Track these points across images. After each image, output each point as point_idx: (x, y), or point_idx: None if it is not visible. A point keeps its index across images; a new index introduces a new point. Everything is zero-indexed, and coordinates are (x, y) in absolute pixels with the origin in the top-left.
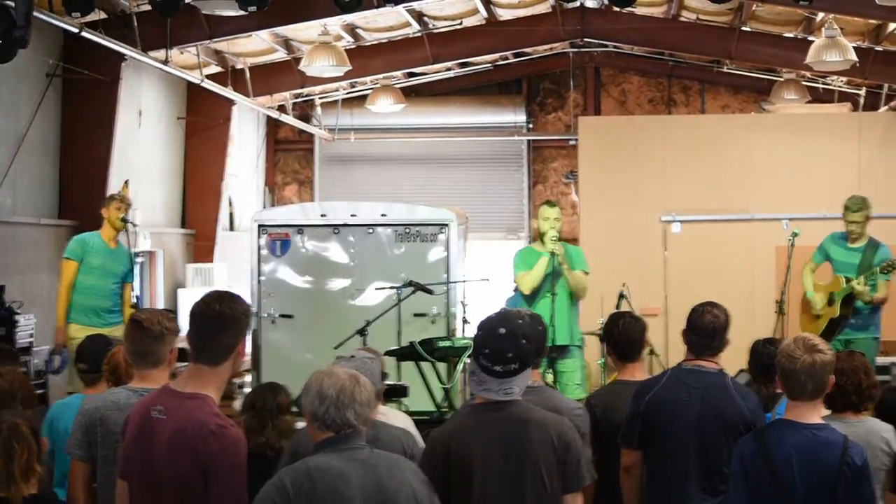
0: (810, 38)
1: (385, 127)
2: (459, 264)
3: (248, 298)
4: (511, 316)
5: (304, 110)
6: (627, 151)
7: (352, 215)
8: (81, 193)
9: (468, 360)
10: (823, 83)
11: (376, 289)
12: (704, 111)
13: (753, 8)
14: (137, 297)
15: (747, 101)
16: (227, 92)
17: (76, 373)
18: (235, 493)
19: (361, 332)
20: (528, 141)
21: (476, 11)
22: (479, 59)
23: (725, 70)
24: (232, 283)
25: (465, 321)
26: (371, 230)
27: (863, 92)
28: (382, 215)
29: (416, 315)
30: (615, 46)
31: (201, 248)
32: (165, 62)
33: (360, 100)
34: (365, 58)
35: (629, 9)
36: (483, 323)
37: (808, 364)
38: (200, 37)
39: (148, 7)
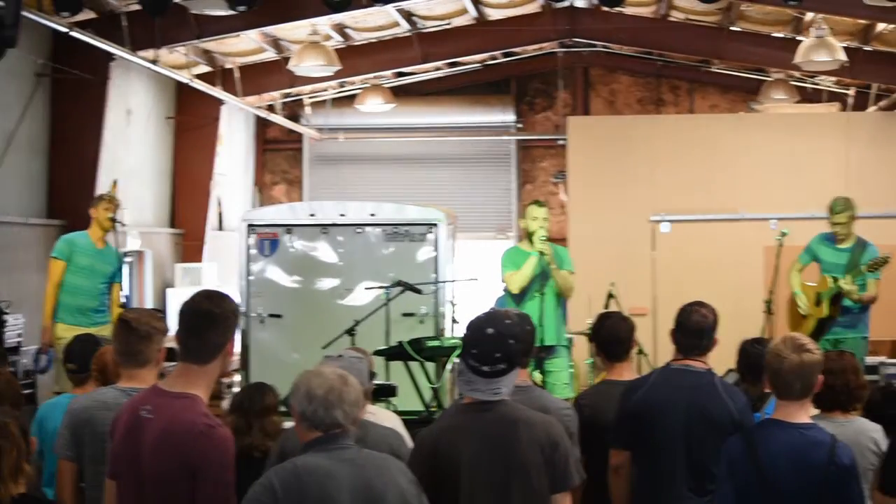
0: (799, 37)
1: (374, 127)
2: (448, 264)
3: (236, 298)
4: (499, 316)
5: (293, 110)
6: (616, 151)
7: (340, 215)
8: (70, 193)
9: (457, 360)
10: (812, 83)
11: (365, 288)
12: (693, 111)
13: (742, 8)
14: (126, 297)
15: (736, 100)
16: (216, 92)
17: (64, 372)
18: (224, 493)
19: (350, 331)
20: (517, 141)
21: (465, 11)
22: (468, 58)
23: (714, 70)
24: (221, 282)
25: (453, 321)
26: (360, 230)
27: (851, 92)
28: (371, 215)
29: (404, 315)
30: (604, 46)
31: (190, 247)
32: (154, 62)
33: (350, 99)
34: (354, 57)
35: (618, 8)
36: (471, 323)
37: (797, 364)
38: (189, 36)
39: (137, 6)
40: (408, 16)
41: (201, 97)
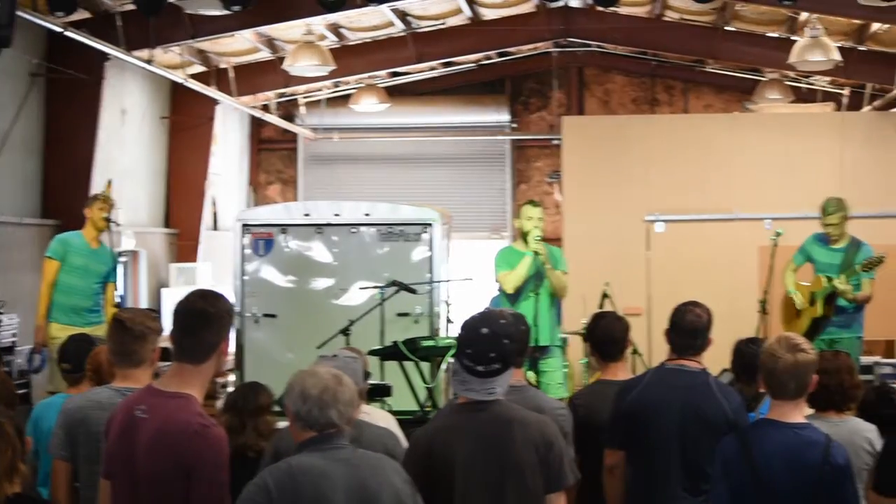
0: (794, 37)
1: (369, 126)
2: (443, 264)
3: (231, 298)
4: (494, 316)
5: (288, 110)
6: (611, 151)
7: (335, 215)
8: (65, 193)
9: (451, 360)
10: (807, 83)
11: (360, 288)
12: (688, 111)
13: (737, 8)
14: (121, 297)
15: (731, 100)
16: (211, 91)
17: (59, 372)
18: (218, 493)
19: (345, 331)
20: (512, 140)
21: (460, 11)
22: (462, 58)
23: (709, 70)
24: (215, 282)
25: (448, 321)
26: (354, 230)
27: (846, 92)
28: (366, 215)
29: (399, 315)
30: (599, 46)
31: (185, 247)
32: (149, 62)
33: (344, 99)
34: (349, 57)
35: (613, 8)
36: (466, 323)
37: (791, 363)
38: (184, 36)
39: (131, 6)
40: (402, 15)
41: (196, 97)
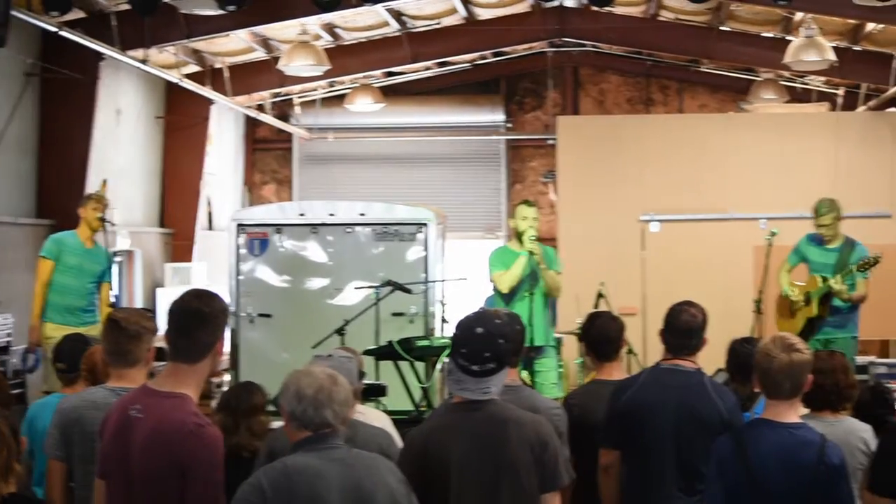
0: (788, 37)
1: (364, 126)
2: (438, 263)
3: (226, 298)
4: (489, 315)
5: (283, 110)
6: (606, 151)
7: (330, 214)
8: (60, 193)
9: (446, 360)
10: (801, 83)
11: (355, 288)
12: (683, 111)
13: (732, 7)
14: (116, 297)
15: (725, 100)
16: (206, 91)
17: (52, 372)
18: (213, 493)
19: (340, 331)
20: (507, 140)
21: (455, 11)
22: (457, 58)
23: (704, 69)
24: (210, 282)
25: (443, 320)
26: (349, 229)
27: (841, 92)
28: (361, 215)
29: (394, 314)
30: (594, 46)
31: (180, 247)
32: (144, 61)
33: (339, 99)
34: (343, 57)
35: (608, 8)
36: (461, 322)
37: (786, 363)
38: (179, 36)
39: (126, 6)
40: (397, 15)
41: (191, 97)
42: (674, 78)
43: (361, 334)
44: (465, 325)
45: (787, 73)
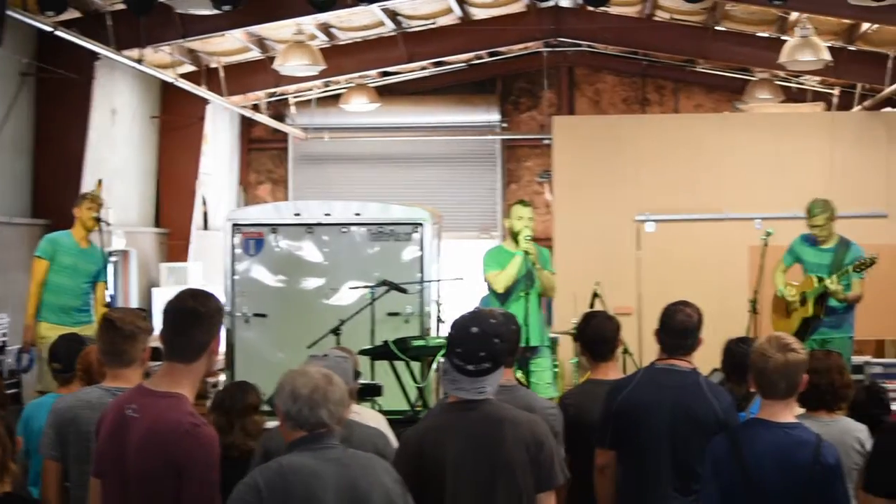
0: (784, 37)
1: (359, 126)
2: (433, 263)
3: (221, 297)
4: (484, 315)
5: (278, 109)
6: (601, 151)
7: (325, 214)
8: (55, 192)
9: (442, 360)
10: (797, 83)
11: (350, 288)
12: (678, 111)
13: (727, 7)
14: (111, 297)
15: (721, 100)
16: (201, 91)
17: (47, 372)
18: (209, 493)
19: (335, 331)
20: (502, 140)
21: (450, 10)
22: (453, 58)
23: (699, 69)
24: (206, 282)
25: (439, 320)
26: (345, 229)
27: (836, 91)
28: (356, 214)
29: (389, 314)
30: (589, 46)
31: (175, 247)
32: (139, 61)
33: (334, 99)
34: (339, 57)
35: (603, 8)
36: (456, 322)
37: (781, 363)
38: (174, 36)
39: (122, 6)
40: (393, 15)
41: (186, 96)
42: (669, 78)
43: (357, 334)
44: (461, 325)
45: (782, 73)
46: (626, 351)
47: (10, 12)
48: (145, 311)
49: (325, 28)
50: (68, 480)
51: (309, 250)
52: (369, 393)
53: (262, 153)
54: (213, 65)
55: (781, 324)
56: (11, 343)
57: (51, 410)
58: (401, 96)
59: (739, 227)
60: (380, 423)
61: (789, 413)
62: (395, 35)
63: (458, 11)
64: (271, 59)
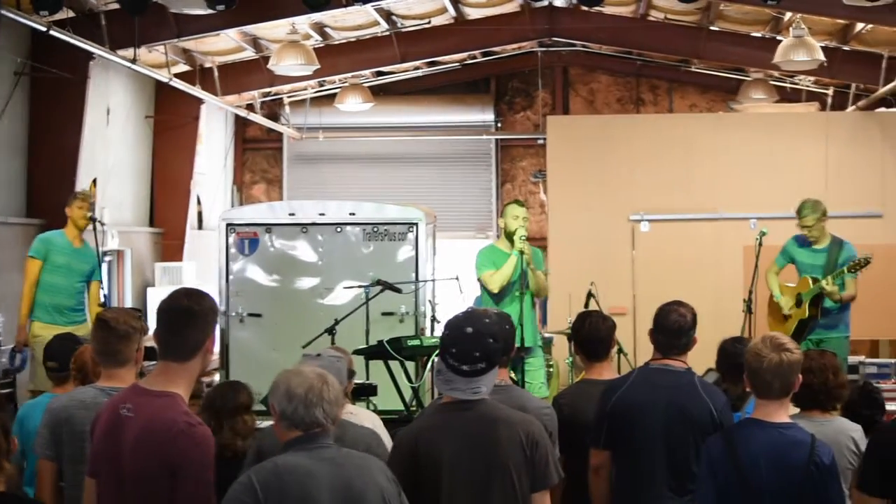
0: (778, 37)
1: (353, 126)
2: (428, 263)
3: (216, 297)
4: (478, 315)
5: (273, 109)
6: (596, 150)
7: (320, 214)
8: (49, 192)
9: (437, 359)
10: (791, 83)
11: (345, 288)
12: (672, 110)
13: (721, 7)
14: (106, 297)
15: (715, 100)
16: (196, 91)
17: (42, 371)
18: (204, 492)
19: (330, 330)
20: (497, 140)
21: (444, 10)
22: (447, 58)
23: (693, 69)
24: (200, 281)
25: (434, 320)
26: (339, 229)
27: (830, 91)
28: (351, 214)
29: (384, 314)
30: (583, 46)
31: (170, 246)
32: (133, 61)
33: (329, 99)
34: (333, 57)
35: (597, 8)
36: (450, 322)
37: (776, 363)
38: (168, 35)
39: (116, 5)
40: (387, 15)
41: (181, 96)
42: (663, 78)
43: (352, 334)
44: (455, 325)
45: (776, 73)
46: (620, 351)
47: (3, 12)
48: (140, 311)
49: (320, 28)
50: (63, 480)
51: (303, 250)
52: (364, 393)
53: (257, 153)
54: (208, 64)
55: (778, 326)
56: (7, 343)
57: (45, 410)
58: (395, 96)
59: (734, 226)
60: (375, 423)
61: (784, 413)
62: (390, 35)
63: (452, 11)
64: (266, 58)
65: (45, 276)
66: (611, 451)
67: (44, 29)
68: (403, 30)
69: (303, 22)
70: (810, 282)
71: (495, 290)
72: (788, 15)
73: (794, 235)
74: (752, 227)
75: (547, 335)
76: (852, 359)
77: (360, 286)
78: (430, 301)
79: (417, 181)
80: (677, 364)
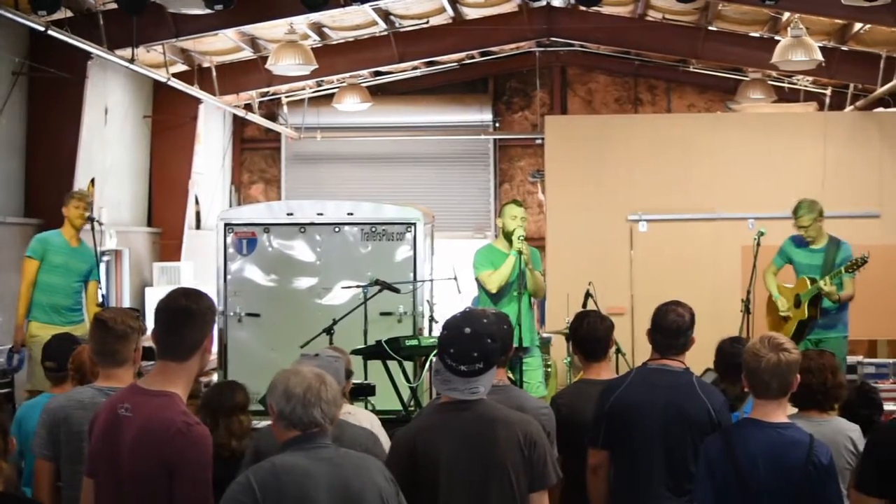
0: (776, 37)
1: (351, 126)
2: (426, 263)
3: (214, 297)
4: (476, 315)
5: (271, 109)
6: (594, 150)
7: (318, 214)
8: (48, 192)
9: (435, 359)
10: (789, 83)
11: (343, 287)
12: (670, 110)
13: (719, 7)
14: (104, 297)
15: (713, 100)
16: (194, 90)
17: (40, 371)
18: (203, 492)
19: (328, 330)
20: (495, 140)
21: (442, 10)
22: (445, 57)
23: (691, 69)
24: (199, 281)
25: (432, 320)
26: (337, 229)
27: (828, 91)
28: (349, 214)
29: (382, 314)
30: (581, 46)
31: (168, 246)
32: (132, 61)
33: (327, 98)
34: (331, 56)
35: (595, 8)
36: (448, 322)
37: (774, 363)
38: (167, 35)
39: (114, 5)
40: (385, 15)
41: (179, 96)
42: (661, 78)
43: (350, 334)
44: (453, 325)
45: (774, 73)
46: (618, 351)
47: (2, 11)
48: (138, 311)
49: (318, 28)
50: (60, 480)
51: (301, 250)
52: (362, 393)
53: (255, 153)
54: (206, 64)
55: (778, 327)
56: (5, 343)
57: (43, 410)
58: (393, 96)
59: (732, 226)
60: (373, 423)
61: (782, 413)
62: (388, 35)
63: (450, 11)
64: (264, 58)
65: (43, 275)
66: (609, 451)
67: (42, 29)
68: (401, 30)
69: (301, 22)
70: (808, 282)
71: (493, 290)
72: (786, 15)
73: (791, 236)
74: (750, 227)
75: (545, 335)
76: (850, 359)
77: (358, 286)
78: (428, 301)
79: (415, 181)
80: (675, 364)
